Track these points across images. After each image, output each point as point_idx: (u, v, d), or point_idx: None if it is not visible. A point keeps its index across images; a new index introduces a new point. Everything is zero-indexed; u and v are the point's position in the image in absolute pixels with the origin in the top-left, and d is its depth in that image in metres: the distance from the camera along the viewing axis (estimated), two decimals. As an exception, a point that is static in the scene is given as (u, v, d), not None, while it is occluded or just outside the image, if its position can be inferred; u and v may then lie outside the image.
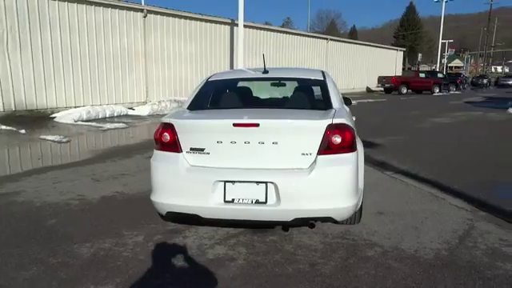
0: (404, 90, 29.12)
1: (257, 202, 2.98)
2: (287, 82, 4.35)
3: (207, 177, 3.05)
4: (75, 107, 13.16)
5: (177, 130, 3.18)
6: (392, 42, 67.66)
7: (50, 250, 3.33)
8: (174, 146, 3.18)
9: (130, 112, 14.05)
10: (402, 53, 38.80)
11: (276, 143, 3.02)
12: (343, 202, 3.03)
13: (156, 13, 15.69)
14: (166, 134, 3.20)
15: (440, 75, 34.12)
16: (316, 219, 3.08)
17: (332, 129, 3.02)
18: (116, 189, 5.09)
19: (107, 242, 3.50)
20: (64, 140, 8.84)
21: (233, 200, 3.00)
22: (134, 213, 4.22)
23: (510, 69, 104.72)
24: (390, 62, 35.52)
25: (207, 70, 18.07)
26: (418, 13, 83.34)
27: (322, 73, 4.14)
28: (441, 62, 50.47)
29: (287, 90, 4.31)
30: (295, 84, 4.21)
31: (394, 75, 31.62)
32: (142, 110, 14.16)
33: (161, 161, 3.24)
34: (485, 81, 45.80)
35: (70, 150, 8.25)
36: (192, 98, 3.78)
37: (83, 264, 3.10)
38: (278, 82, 4.36)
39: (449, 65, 76.39)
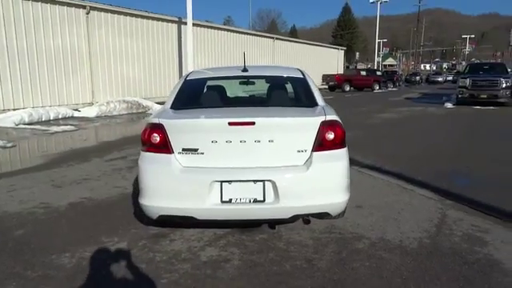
0: (347, 88, 30.25)
1: (255, 200, 2.96)
2: (267, 80, 4.34)
3: (203, 177, 2.97)
4: (14, 110, 12.25)
5: (167, 131, 3.06)
6: (330, 42, 69.98)
7: (25, 263, 3.08)
8: (164, 147, 3.06)
9: (76, 114, 13.36)
10: (343, 52, 40.25)
11: (272, 141, 3.01)
12: (338, 196, 3.10)
13: (100, 9, 15.00)
14: (155, 134, 3.07)
15: (379, 73, 35.85)
16: (313, 215, 3.12)
17: (325, 125, 3.06)
18: (82, 194, 4.81)
19: (88, 250, 3.29)
20: (9, 145, 8.21)
21: (230, 200, 2.95)
22: (109, 218, 4.01)
23: (437, 66, 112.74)
24: (333, 60, 36.76)
25: (156, 70, 17.65)
26: (353, 13, 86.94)
27: (300, 71, 4.19)
28: (376, 60, 53.10)
29: (267, 88, 4.30)
30: (276, 82, 4.22)
31: (337, 73, 32.75)
32: (89, 112, 13.52)
33: (151, 163, 3.10)
34: (417, 78, 48.82)
35: (18, 155, 7.69)
36: (174, 97, 3.66)
37: (68, 275, 2.90)
38: (265, 80, 4.33)
39: (383, 63, 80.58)
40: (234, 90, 4.96)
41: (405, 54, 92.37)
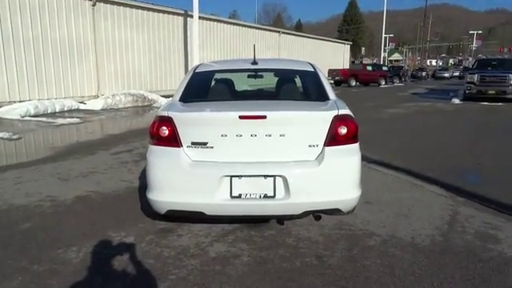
0: (353, 83, 30.08)
1: (265, 196, 2.90)
2: (277, 74, 4.28)
3: (213, 172, 2.92)
4: (20, 101, 12.24)
5: (176, 124, 3.00)
6: (336, 36, 69.57)
7: (32, 257, 3.04)
8: (173, 141, 3.01)
9: (82, 106, 13.33)
10: (349, 46, 39.99)
11: (283, 135, 2.95)
12: (350, 192, 3.04)
13: (106, 1, 14.94)
14: (163, 127, 3.02)
15: (385, 68, 35.61)
16: (324, 211, 3.07)
17: (338, 120, 3.00)
18: (89, 188, 4.77)
19: (94, 245, 3.25)
20: (15, 137, 8.19)
21: (240, 195, 2.90)
22: (115, 212, 3.98)
23: (443, 62, 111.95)
24: (339, 55, 36.56)
25: (161, 63, 17.61)
26: (359, 8, 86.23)
27: (311, 64, 4.12)
28: (383, 55, 52.73)
29: (276, 82, 4.24)
30: (286, 75, 4.16)
31: (343, 68, 32.55)
32: (95, 104, 13.48)
33: (159, 156, 3.05)
34: (424, 73, 48.44)
35: (24, 147, 7.67)
36: (182, 90, 3.60)
37: (75, 270, 2.86)
38: (274, 74, 4.27)
39: (389, 58, 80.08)
40: (241, 83, 4.89)
41: (411, 50, 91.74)
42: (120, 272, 2.84)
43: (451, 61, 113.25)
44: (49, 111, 12.04)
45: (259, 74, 4.26)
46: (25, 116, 11.15)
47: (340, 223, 3.65)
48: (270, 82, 4.71)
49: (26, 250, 3.15)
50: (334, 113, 3.03)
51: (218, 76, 4.13)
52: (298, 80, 4.14)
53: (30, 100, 12.41)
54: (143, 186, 4.74)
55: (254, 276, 2.77)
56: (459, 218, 3.83)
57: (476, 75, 16.36)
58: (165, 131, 3.03)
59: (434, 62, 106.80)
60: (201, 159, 3.00)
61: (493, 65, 18.21)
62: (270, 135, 2.95)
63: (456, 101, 16.78)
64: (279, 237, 3.38)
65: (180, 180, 2.97)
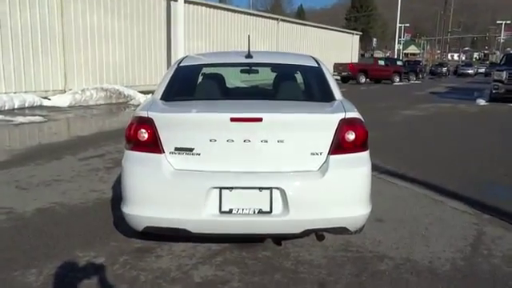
0: (362, 79, 30.25)
1: (260, 211, 2.90)
2: (275, 69, 4.31)
3: (199, 183, 2.92)
4: (-29, 95, 12.17)
5: (157, 126, 3.00)
6: (343, 25, 70.02)
7: (-17, 281, 3.01)
8: (153, 146, 3.00)
9: (46, 102, 13.32)
10: (358, 37, 40.28)
11: (281, 141, 2.95)
12: (358, 209, 3.05)
13: (75, -19, 14.91)
14: (142, 130, 3.01)
15: (399, 63, 35.91)
16: (328, 230, 3.07)
17: (345, 124, 3.01)
18: (53, 199, 4.75)
19: (58, 266, 3.23)
20: (-36, 138, 8.14)
21: (230, 210, 2.90)
22: (84, 228, 3.96)
23: (467, 56, 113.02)
24: (346, 47, 36.79)
25: (140, 53, 17.62)
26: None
27: (314, 59, 4.15)
28: (397, 48, 53.21)
29: (273, 78, 4.27)
30: (286, 71, 4.19)
31: (350, 62, 32.74)
32: (61, 101, 13.48)
33: (137, 164, 3.04)
34: (444, 69, 48.86)
35: (-25, 150, 7.60)
36: (165, 87, 3.61)
37: (35, 297, 2.84)
38: (271, 69, 4.30)
39: (404, 51, 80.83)
40: (233, 79, 4.91)
41: (429, 42, 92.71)
42: (88, 299, 2.82)
43: (476, 55, 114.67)
44: (6, 107, 11.99)
45: (254, 68, 4.28)
46: (-23, 113, 11.10)
47: (346, 244, 3.65)
48: (265, 77, 4.73)
49: (-24, 272, 3.12)
50: (341, 116, 3.04)
51: (206, 70, 4.15)
52: (299, 77, 4.16)
53: (-17, 94, 12.35)
54: (117, 197, 4.73)
55: (246, 305, 2.76)
56: (485, 238, 3.85)
57: (504, 72, 16.49)
58: (144, 134, 3.02)
59: (456, 57, 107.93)
60: (185, 168, 3.00)
61: (524, 60, 18.39)
62: (266, 141, 2.95)
63: (481, 102, 16.94)
64: (275, 259, 3.37)
65: (161, 192, 2.96)
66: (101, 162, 6.52)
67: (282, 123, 3.02)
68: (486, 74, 46.16)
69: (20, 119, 10.46)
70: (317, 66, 3.99)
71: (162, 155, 3.01)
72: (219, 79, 4.12)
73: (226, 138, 2.95)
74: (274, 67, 4.31)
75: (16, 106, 12.27)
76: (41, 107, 12.85)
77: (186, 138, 2.99)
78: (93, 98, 14.06)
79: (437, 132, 10.17)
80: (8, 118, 10.63)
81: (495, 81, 16.87)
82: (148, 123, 3.03)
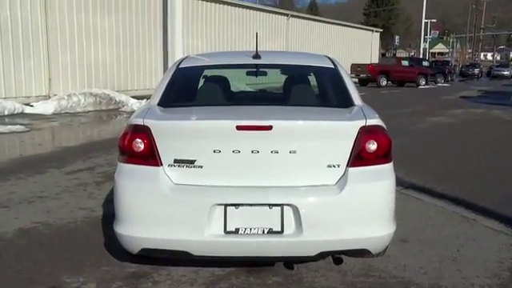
0: (383, 82, 30.36)
1: (270, 231, 2.93)
2: (286, 71, 4.37)
3: (201, 199, 2.96)
4: None
5: (154, 135, 3.05)
6: (361, 21, 70.28)
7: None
8: (150, 158, 3.05)
9: (28, 110, 13.53)
10: (379, 34, 40.45)
11: (294, 152, 2.99)
12: (382, 228, 3.07)
13: (62, -26, 15.15)
14: (138, 140, 3.06)
15: (425, 63, 36.01)
16: (347, 252, 3.09)
17: (366, 132, 3.05)
18: (36, 218, 4.82)
19: (44, 294, 3.28)
20: None
21: (237, 230, 2.93)
22: (71, 251, 4.01)
23: (502, 56, 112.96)
24: (365, 45, 36.99)
25: (133, 55, 17.83)
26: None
27: (330, 59, 4.20)
28: (423, 46, 53.33)
29: (284, 81, 4.33)
30: (298, 73, 4.25)
31: (370, 63, 32.86)
32: (45, 107, 13.68)
33: (132, 178, 3.09)
34: (476, 71, 48.95)
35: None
36: (162, 91, 3.67)
37: (17, 328, 2.88)
38: (281, 71, 4.36)
39: (431, 50, 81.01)
40: (237, 82, 4.97)
41: (459, 39, 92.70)
42: (77, 330, 2.86)
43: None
44: (-17, 115, 12.17)
45: (262, 70, 4.33)
46: (-49, 121, 11.26)
47: (367, 268, 3.68)
48: (274, 80, 4.79)
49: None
50: (361, 123, 3.07)
51: (208, 73, 4.21)
52: (312, 79, 4.20)
53: (-42, 101, 12.53)
54: (108, 215, 4.79)
55: (254, 338, 2.79)
56: (524, 262, 3.87)
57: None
58: (139, 145, 3.06)
59: (489, 56, 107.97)
60: (186, 182, 3.04)
61: None
62: (276, 151, 2.99)
63: (518, 107, 17.01)
64: (287, 285, 3.40)
65: (158, 210, 3.00)
66: (90, 176, 6.60)
67: (295, 132, 3.06)
68: (525, 76, 46.25)
69: (-1, 128, 10.60)
70: (333, 67, 4.04)
71: (160, 168, 3.05)
72: (223, 82, 4.18)
73: (231, 149, 2.99)
74: (285, 69, 4.38)
75: (-5, 114, 12.45)
76: (22, 115, 13.02)
77: (186, 149, 3.03)
78: (80, 105, 14.21)
79: (468, 142, 10.19)
80: (-15, 127, 10.77)
81: (535, 83, 16.91)
82: (144, 132, 3.07)
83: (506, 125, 13.26)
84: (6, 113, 12.79)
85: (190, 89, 4.00)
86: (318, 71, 4.20)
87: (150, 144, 3.06)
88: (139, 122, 3.13)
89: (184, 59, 4.28)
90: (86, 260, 3.80)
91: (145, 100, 15.63)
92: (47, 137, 10.32)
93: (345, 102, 3.59)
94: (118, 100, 15.24)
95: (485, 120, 14.10)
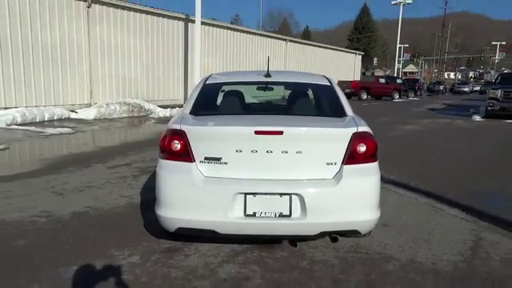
0: (364, 96, 30.33)
1: (280, 215, 3.03)
2: (292, 87, 4.45)
3: (226, 189, 3.05)
4: (5, 108, 12.40)
5: (189, 138, 3.15)
6: (346, 45, 70.04)
7: (30, 277, 3.13)
8: (185, 156, 3.15)
9: (73, 115, 13.52)
10: (360, 57, 40.41)
11: (300, 152, 3.09)
12: (369, 214, 3.17)
13: (102, 3, 15.20)
14: (175, 141, 3.16)
15: (399, 81, 35.97)
16: (342, 233, 3.19)
17: (357, 137, 3.15)
18: (86, 203, 4.88)
19: (97, 264, 3.36)
20: (1, 147, 8.31)
21: (254, 214, 3.03)
22: (116, 230, 4.09)
23: (463, 75, 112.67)
24: (349, 66, 36.92)
25: (159, 70, 17.85)
26: (372, 15, 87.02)
27: (326, 78, 4.29)
28: (397, 67, 53.26)
29: (290, 95, 4.40)
30: (301, 89, 4.33)
31: (353, 80, 32.85)
32: (87, 114, 13.66)
33: (170, 172, 3.19)
34: (441, 87, 48.89)
35: (11, 158, 7.80)
36: (193, 102, 3.76)
37: (78, 290, 2.97)
38: (284, 87, 4.44)
39: (403, 70, 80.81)
40: (248, 95, 5.05)
41: (427, 61, 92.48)
42: (126, 292, 2.95)
43: (471, 74, 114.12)
44: (37, 120, 12.20)
45: (269, 86, 4.42)
46: (11, 124, 11.29)
47: (356, 246, 3.77)
48: (277, 94, 4.87)
49: (22, 270, 3.22)
50: (353, 130, 3.18)
51: (229, 88, 4.28)
52: (313, 94, 4.29)
53: (16, 107, 12.57)
54: (145, 202, 4.88)
55: (268, 299, 2.88)
56: (483, 243, 3.94)
57: (499, 91, 16.52)
58: (177, 145, 3.17)
59: (452, 75, 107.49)
60: (214, 175, 3.14)
61: (518, 80, 18.42)
62: (286, 151, 3.09)
63: (477, 118, 16.97)
64: (292, 259, 3.49)
65: (192, 197, 3.10)
66: (128, 170, 6.65)
67: (301, 136, 3.15)
68: (481, 92, 46.06)
69: (50, 130, 10.65)
70: (329, 84, 4.14)
71: (193, 164, 3.15)
72: (239, 96, 4.25)
73: (250, 149, 3.09)
74: (290, 85, 4.45)
75: (46, 119, 12.48)
76: (69, 120, 13.04)
77: (214, 149, 3.14)
78: (116, 112, 14.23)
79: (435, 146, 10.22)
80: (39, 129, 10.82)
81: (490, 98, 16.92)
82: (181, 135, 3.18)
83: (467, 132, 13.28)
84: (56, 117, 12.84)
85: (214, 100, 4.08)
86: (317, 87, 4.28)
87: (185, 145, 3.16)
88: (177, 127, 3.23)
89: (209, 77, 4.35)
90: (129, 237, 3.88)
91: (169, 109, 15.72)
92: (90, 138, 10.35)
93: (339, 112, 3.68)
94: (147, 108, 15.28)
95: (449, 128, 14.10)
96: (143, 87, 17.10)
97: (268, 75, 4.10)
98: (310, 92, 4.33)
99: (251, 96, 5.67)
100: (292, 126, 3.18)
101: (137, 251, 3.59)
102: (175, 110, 15.84)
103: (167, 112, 15.42)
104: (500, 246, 3.89)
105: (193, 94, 3.93)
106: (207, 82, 4.13)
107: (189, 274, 3.21)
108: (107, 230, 4.08)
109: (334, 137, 3.21)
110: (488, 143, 10.76)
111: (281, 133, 3.04)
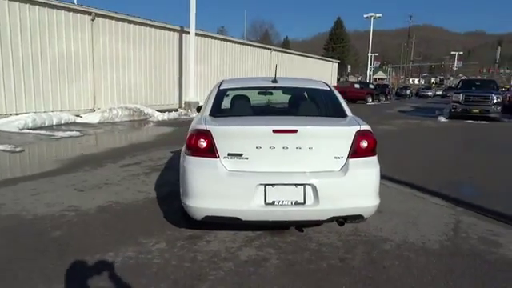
0: (341, 100, 30.68)
1: (296, 203, 3.18)
2: (297, 91, 4.58)
3: (249, 181, 3.18)
4: (17, 114, 12.27)
5: (214, 137, 3.27)
6: (322, 54, 70.60)
7: (73, 263, 3.20)
8: (210, 152, 3.26)
9: (78, 120, 13.40)
10: (337, 64, 40.90)
11: (311, 148, 3.25)
12: (371, 200, 3.35)
13: (105, 16, 15.14)
14: (201, 140, 3.27)
15: (371, 86, 36.47)
16: (348, 217, 3.35)
17: (360, 134, 3.33)
18: (108, 198, 4.94)
19: (130, 250, 3.45)
20: (17, 149, 8.26)
21: (273, 202, 3.17)
22: (141, 221, 4.17)
23: (426, 81, 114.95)
24: (327, 72, 37.33)
25: (157, 77, 17.82)
26: (345, 27, 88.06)
27: (326, 83, 4.46)
28: (368, 73, 54.03)
29: (292, 99, 4.55)
30: (307, 93, 4.48)
31: (333, 85, 33.20)
32: (92, 118, 13.56)
33: (198, 167, 3.29)
34: (408, 92, 49.70)
35: (29, 160, 7.77)
36: (211, 105, 3.87)
37: (118, 273, 3.07)
38: (290, 91, 4.57)
39: (374, 76, 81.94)
40: (252, 98, 5.16)
41: (395, 68, 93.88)
42: (162, 274, 3.06)
43: (433, 80, 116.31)
44: (46, 124, 12.09)
45: (270, 91, 4.55)
46: (23, 129, 11.18)
47: (355, 230, 3.95)
48: (278, 97, 5.01)
49: (63, 257, 3.30)
50: (357, 128, 3.36)
51: (239, 92, 4.37)
52: (316, 98, 4.42)
53: (26, 113, 12.45)
54: (160, 196, 4.97)
55: (287, 276, 3.03)
56: (462, 225, 4.18)
57: (461, 95, 17.09)
58: (202, 143, 3.28)
59: (416, 81, 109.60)
60: (236, 169, 3.26)
61: (476, 85, 19.07)
62: (300, 147, 3.25)
63: (442, 119, 17.45)
64: (301, 242, 3.65)
65: (218, 188, 3.22)
66: (139, 168, 6.69)
67: (312, 134, 3.31)
68: (443, 96, 47.22)
69: (60, 134, 10.58)
70: (329, 89, 4.31)
71: (218, 159, 3.27)
72: (248, 99, 4.37)
73: (268, 146, 3.23)
74: (295, 90, 4.58)
75: (54, 123, 12.38)
76: (75, 124, 12.93)
77: (236, 146, 3.26)
78: (118, 116, 14.16)
79: (410, 143, 10.55)
80: (49, 133, 10.73)
81: (453, 101, 17.44)
82: (206, 134, 3.29)
83: (435, 130, 13.68)
84: (63, 122, 12.72)
85: (228, 104, 4.18)
86: (319, 92, 4.43)
87: (210, 143, 3.28)
88: (202, 127, 3.34)
89: (221, 83, 4.45)
90: (153, 227, 3.97)
91: (167, 112, 15.73)
92: (98, 140, 10.31)
93: (340, 113, 3.86)
94: (146, 112, 15.24)
95: (420, 128, 14.47)
96: (142, 93, 17.06)
97: (275, 81, 4.24)
98: (314, 95, 4.45)
99: (253, 99, 5.76)
100: (305, 125, 3.33)
101: (162, 239, 3.69)
102: (172, 114, 15.88)
103: (165, 116, 15.44)
104: (476, 227, 4.13)
105: (210, 98, 4.04)
106: (221, 88, 4.24)
107: (213, 257, 3.33)
108: (132, 221, 4.16)
109: (341, 134, 3.37)
110: (455, 140, 11.14)
111: (295, 131, 3.19)
